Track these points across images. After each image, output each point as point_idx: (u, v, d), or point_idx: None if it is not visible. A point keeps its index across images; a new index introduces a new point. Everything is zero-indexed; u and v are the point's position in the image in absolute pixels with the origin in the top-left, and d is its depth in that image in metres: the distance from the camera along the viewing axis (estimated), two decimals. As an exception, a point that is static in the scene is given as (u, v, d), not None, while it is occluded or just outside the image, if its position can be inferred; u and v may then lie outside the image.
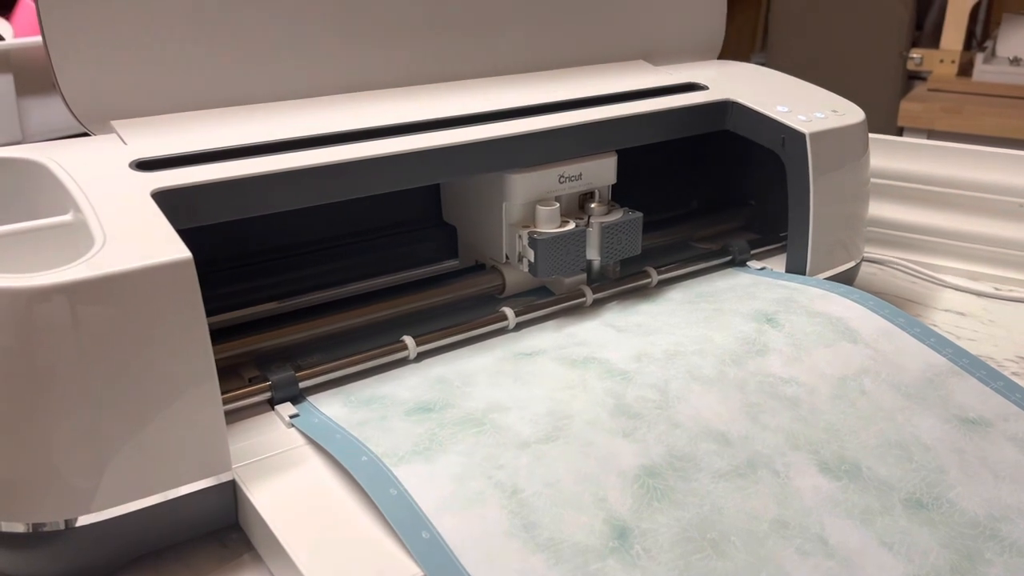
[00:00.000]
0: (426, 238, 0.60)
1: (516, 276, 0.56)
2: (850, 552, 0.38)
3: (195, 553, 0.41)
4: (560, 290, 0.56)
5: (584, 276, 0.57)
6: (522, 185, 0.53)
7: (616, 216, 0.55)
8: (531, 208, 0.54)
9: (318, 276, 0.56)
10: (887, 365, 0.49)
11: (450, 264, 0.61)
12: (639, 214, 0.55)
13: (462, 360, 0.49)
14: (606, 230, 0.54)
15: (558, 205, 0.54)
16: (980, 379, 0.48)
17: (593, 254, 0.54)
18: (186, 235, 0.38)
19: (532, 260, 0.53)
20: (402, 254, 0.59)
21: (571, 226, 0.54)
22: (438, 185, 0.61)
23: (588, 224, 0.54)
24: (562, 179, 0.55)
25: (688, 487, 0.39)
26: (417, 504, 0.37)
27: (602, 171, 0.56)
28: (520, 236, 0.54)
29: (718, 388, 0.45)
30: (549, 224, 0.54)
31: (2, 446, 0.35)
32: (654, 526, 0.37)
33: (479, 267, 0.58)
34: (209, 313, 0.38)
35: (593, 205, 0.55)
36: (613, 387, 0.45)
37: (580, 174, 0.55)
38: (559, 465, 0.40)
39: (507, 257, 0.56)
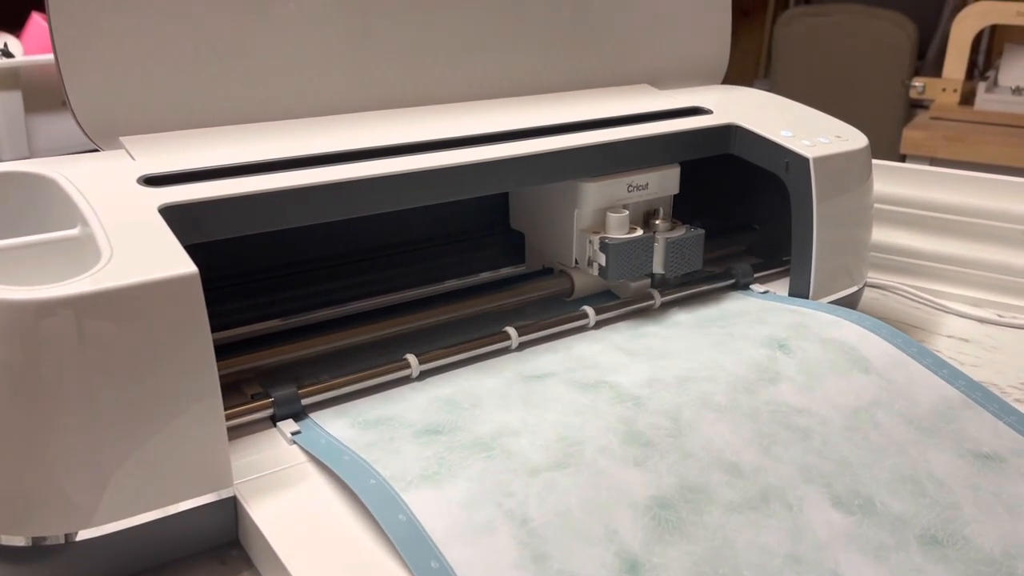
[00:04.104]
0: (430, 256, 0.61)
1: (585, 279, 0.59)
2: None
3: (194, 569, 0.40)
4: (626, 294, 0.59)
5: (648, 281, 0.59)
6: (595, 193, 0.56)
7: (680, 232, 0.57)
8: (601, 215, 0.56)
9: (325, 293, 0.56)
10: (900, 397, 0.48)
11: (452, 283, 0.61)
12: (702, 231, 0.58)
13: (470, 381, 0.48)
14: (671, 245, 0.56)
15: (627, 212, 0.56)
16: (993, 413, 0.48)
17: (658, 267, 0.57)
18: (193, 251, 0.38)
19: (603, 264, 0.55)
20: (405, 273, 0.60)
21: (639, 232, 0.56)
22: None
23: (654, 239, 0.56)
24: (630, 188, 0.57)
25: (700, 520, 0.39)
26: (426, 532, 0.36)
27: (667, 181, 0.59)
28: (591, 241, 0.56)
29: (730, 417, 0.45)
30: (619, 230, 0.56)
31: (4, 459, 0.35)
32: (665, 560, 0.37)
33: (547, 271, 0.60)
34: (213, 329, 0.38)
35: (658, 221, 0.58)
36: (624, 413, 0.44)
37: (647, 183, 0.58)
38: (570, 494, 0.39)
39: (576, 261, 0.58)
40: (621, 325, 0.56)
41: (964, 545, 0.40)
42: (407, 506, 0.37)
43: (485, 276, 0.62)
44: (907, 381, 0.50)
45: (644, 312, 0.57)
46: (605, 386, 0.47)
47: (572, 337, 0.54)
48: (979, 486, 0.43)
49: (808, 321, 0.54)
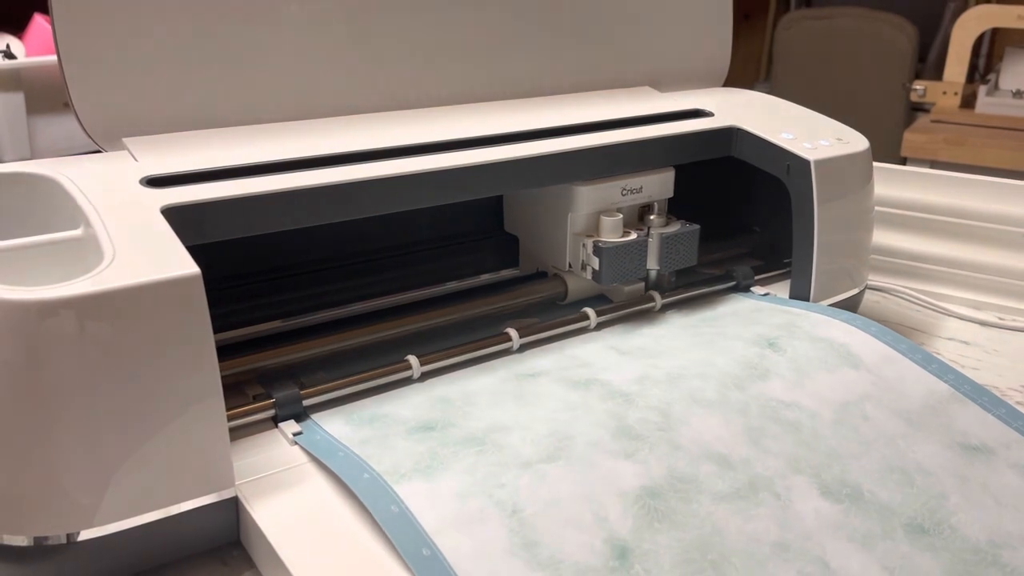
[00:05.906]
0: (424, 259, 0.61)
1: (578, 283, 0.59)
2: None
3: (196, 570, 0.41)
4: (619, 297, 0.59)
5: (642, 285, 0.59)
6: (588, 197, 0.56)
7: (675, 228, 0.57)
8: (594, 219, 0.56)
9: (326, 294, 0.56)
10: (889, 391, 0.49)
11: (448, 286, 0.61)
12: (696, 226, 0.58)
13: (465, 380, 0.49)
14: (666, 240, 0.56)
15: (621, 216, 0.56)
16: (982, 406, 0.48)
17: (652, 263, 0.57)
18: (195, 251, 0.38)
19: (596, 268, 0.55)
20: (400, 276, 0.60)
21: (633, 236, 0.56)
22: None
23: (648, 235, 0.56)
24: (624, 192, 0.57)
25: (689, 509, 0.39)
26: (418, 521, 0.37)
27: (661, 185, 0.59)
28: (584, 245, 0.56)
29: (720, 411, 0.45)
30: (612, 234, 0.56)
31: (6, 459, 0.35)
32: (655, 547, 0.37)
33: (541, 275, 0.60)
34: (214, 329, 0.38)
35: (652, 217, 0.58)
36: (615, 409, 0.45)
37: (641, 187, 0.58)
38: (560, 485, 0.40)
39: (570, 265, 0.58)
40: (617, 326, 0.56)
41: (951, 534, 0.40)
42: (399, 498, 0.38)
43: (480, 279, 0.62)
44: (896, 376, 0.50)
45: (643, 314, 0.57)
46: (596, 383, 0.47)
47: (566, 338, 0.54)
48: (967, 477, 0.44)
49: (799, 321, 0.55)
